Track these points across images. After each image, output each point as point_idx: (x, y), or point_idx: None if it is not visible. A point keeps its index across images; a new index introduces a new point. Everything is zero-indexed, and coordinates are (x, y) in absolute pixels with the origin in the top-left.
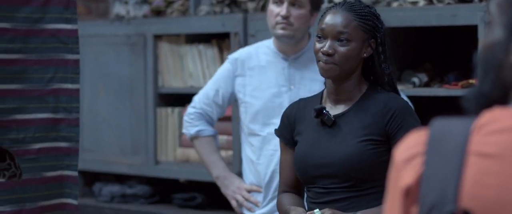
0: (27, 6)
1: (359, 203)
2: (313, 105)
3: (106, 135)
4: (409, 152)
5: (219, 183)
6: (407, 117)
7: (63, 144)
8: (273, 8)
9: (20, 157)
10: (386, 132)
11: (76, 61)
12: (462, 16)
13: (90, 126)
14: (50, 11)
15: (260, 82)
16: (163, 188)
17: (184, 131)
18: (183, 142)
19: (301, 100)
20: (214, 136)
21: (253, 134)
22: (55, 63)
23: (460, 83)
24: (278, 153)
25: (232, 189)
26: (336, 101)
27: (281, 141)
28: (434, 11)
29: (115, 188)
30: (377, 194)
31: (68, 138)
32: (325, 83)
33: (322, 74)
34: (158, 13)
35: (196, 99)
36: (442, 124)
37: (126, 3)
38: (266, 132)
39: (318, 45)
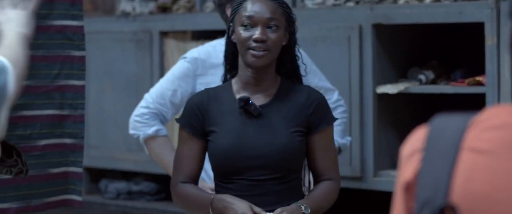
0: None
1: (285, 194)
2: (225, 96)
3: (112, 132)
4: (411, 147)
5: None
6: (327, 109)
7: (68, 141)
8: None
9: (26, 153)
10: (307, 123)
11: (82, 58)
12: (469, 13)
13: (96, 123)
14: (57, 8)
15: None
16: (169, 185)
17: (134, 131)
18: None
19: (208, 90)
20: (168, 136)
21: None
22: (61, 59)
23: (466, 81)
24: None
25: None
26: (256, 92)
27: (186, 131)
28: (441, 8)
29: (121, 185)
30: (299, 186)
31: (73, 134)
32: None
33: (254, 63)
34: (164, 9)
35: (149, 99)
36: (442, 120)
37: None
38: None
39: (246, 33)
